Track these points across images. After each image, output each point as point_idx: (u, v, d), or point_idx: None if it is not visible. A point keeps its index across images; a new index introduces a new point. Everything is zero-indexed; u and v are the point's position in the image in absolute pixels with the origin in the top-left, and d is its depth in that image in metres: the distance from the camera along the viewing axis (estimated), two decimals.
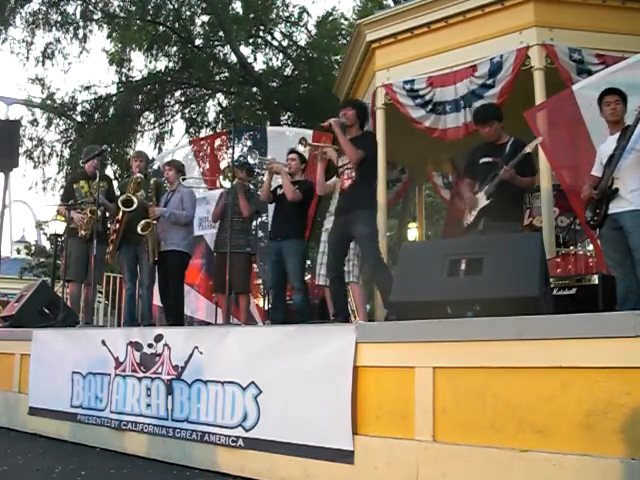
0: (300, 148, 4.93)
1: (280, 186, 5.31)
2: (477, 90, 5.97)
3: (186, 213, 5.66)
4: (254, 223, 7.42)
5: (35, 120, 14.38)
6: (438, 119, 6.23)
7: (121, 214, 5.50)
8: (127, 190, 5.61)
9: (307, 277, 5.55)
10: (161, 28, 13.92)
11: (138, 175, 5.67)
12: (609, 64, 5.34)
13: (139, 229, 5.37)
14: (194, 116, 15.77)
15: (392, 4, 12.19)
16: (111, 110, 14.27)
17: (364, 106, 4.76)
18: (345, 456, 3.07)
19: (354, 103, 4.72)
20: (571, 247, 6.87)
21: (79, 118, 14.39)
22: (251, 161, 7.25)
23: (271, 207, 5.70)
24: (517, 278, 3.00)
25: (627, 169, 3.95)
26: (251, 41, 14.91)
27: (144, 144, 16.19)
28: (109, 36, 14.45)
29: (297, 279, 5.13)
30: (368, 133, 4.56)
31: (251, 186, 5.79)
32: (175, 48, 14.44)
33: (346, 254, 4.60)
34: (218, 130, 14.62)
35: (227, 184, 5.14)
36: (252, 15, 13.68)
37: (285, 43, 15.21)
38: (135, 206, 5.44)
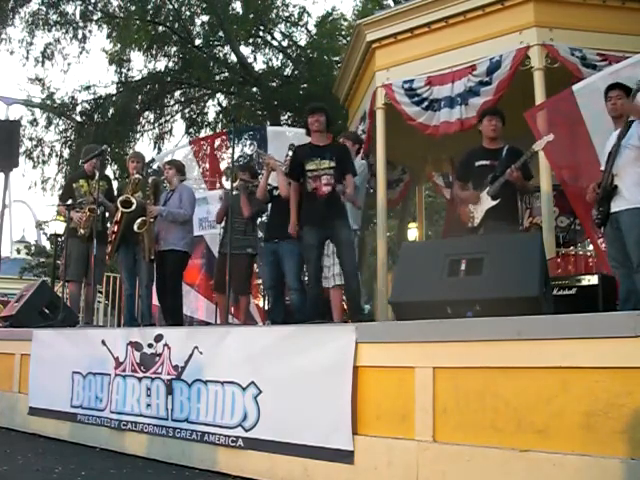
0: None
1: (276, 187, 5.31)
2: (474, 87, 5.96)
3: (184, 211, 5.63)
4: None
5: (35, 120, 14.33)
6: (432, 116, 6.21)
7: (120, 215, 5.49)
8: (125, 191, 5.61)
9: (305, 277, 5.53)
10: (161, 28, 13.88)
11: (136, 176, 5.67)
12: (612, 62, 5.34)
13: (135, 227, 5.37)
14: (194, 116, 15.75)
15: (392, 4, 12.18)
16: (111, 110, 14.22)
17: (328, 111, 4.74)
18: (345, 456, 3.08)
19: (324, 108, 4.67)
20: (571, 247, 6.87)
21: (79, 118, 14.36)
22: (248, 152, 7.27)
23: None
24: (517, 278, 3.00)
25: (624, 166, 3.93)
26: (251, 41, 14.88)
27: (144, 144, 16.20)
28: (109, 36, 14.40)
29: (294, 279, 5.11)
30: (341, 145, 4.57)
31: (254, 188, 5.81)
32: (175, 48, 14.40)
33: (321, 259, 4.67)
34: (218, 130, 14.59)
35: (225, 183, 5.18)
36: (252, 15, 13.64)
37: (285, 43, 15.18)
38: (134, 207, 5.44)
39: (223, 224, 5.80)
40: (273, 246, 5.20)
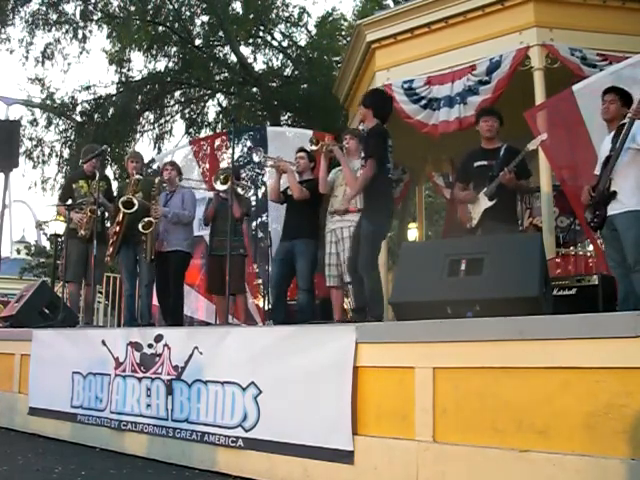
0: (312, 147, 5.03)
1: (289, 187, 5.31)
2: (473, 86, 5.96)
3: (188, 213, 5.69)
4: (253, 224, 7.43)
5: (35, 120, 14.32)
6: (431, 114, 6.21)
7: (121, 216, 5.49)
8: (126, 192, 5.60)
9: None
10: (161, 28, 13.88)
11: (137, 177, 5.67)
12: (612, 62, 5.35)
13: (140, 227, 5.37)
14: (194, 116, 15.75)
15: (392, 4, 12.18)
16: (111, 110, 14.23)
17: (368, 99, 4.69)
18: (345, 456, 3.08)
19: (363, 102, 4.67)
20: (571, 247, 6.87)
21: (79, 118, 14.35)
22: (256, 159, 7.25)
23: (279, 207, 5.73)
24: (517, 278, 3.00)
25: (622, 169, 3.93)
26: (251, 41, 14.88)
27: (144, 144, 16.17)
28: (109, 36, 14.39)
29: (305, 280, 5.07)
30: (375, 128, 4.52)
31: (239, 189, 5.83)
32: (175, 48, 14.39)
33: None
34: (218, 130, 14.60)
35: (221, 187, 5.21)
36: (252, 15, 13.63)
37: (285, 43, 15.18)
38: (136, 207, 5.43)
39: (210, 226, 5.83)
40: (288, 244, 5.17)
